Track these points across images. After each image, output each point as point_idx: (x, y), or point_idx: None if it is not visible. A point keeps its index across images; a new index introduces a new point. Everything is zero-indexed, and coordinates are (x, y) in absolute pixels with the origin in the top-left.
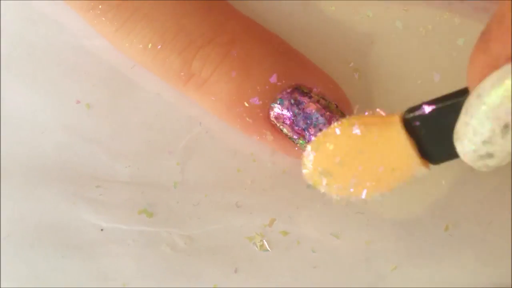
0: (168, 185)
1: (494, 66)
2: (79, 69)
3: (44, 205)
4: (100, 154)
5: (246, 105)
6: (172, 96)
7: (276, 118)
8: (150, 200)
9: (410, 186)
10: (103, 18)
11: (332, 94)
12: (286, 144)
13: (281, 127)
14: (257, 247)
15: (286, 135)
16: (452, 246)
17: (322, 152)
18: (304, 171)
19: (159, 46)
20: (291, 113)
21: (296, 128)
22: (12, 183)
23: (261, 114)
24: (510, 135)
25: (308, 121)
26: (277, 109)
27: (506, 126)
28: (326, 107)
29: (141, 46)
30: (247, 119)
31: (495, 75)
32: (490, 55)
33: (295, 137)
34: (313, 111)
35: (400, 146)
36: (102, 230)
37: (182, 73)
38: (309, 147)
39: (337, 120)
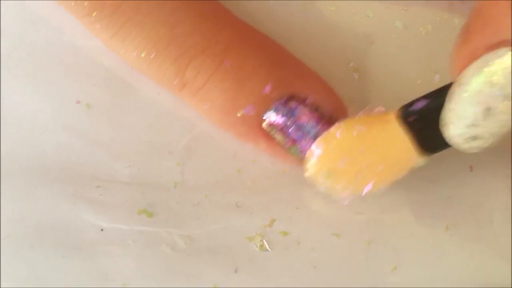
0: (168, 185)
1: (474, 56)
2: (79, 69)
3: (44, 205)
4: (100, 154)
5: (240, 114)
6: (172, 97)
7: (270, 126)
8: (150, 200)
9: (411, 186)
10: (98, 25)
11: (327, 103)
12: (279, 151)
13: (274, 135)
14: (257, 247)
15: (279, 143)
16: (452, 246)
17: (323, 154)
18: (307, 174)
19: (153, 55)
20: (284, 122)
21: (289, 137)
22: (12, 183)
23: (254, 123)
24: (491, 117)
25: (301, 131)
26: (270, 118)
27: (487, 109)
28: (320, 117)
29: (135, 53)
30: (241, 127)
31: (474, 64)
32: (470, 46)
33: (288, 145)
34: (306, 121)
35: (398, 142)
36: (102, 230)
37: (176, 81)
38: (311, 150)
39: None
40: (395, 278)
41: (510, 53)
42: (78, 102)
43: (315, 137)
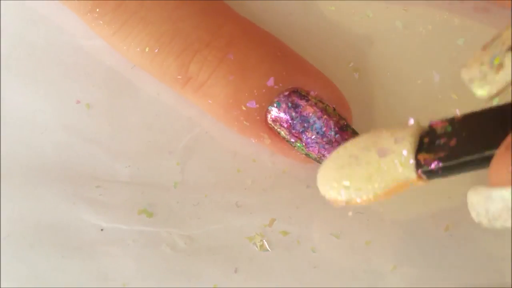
0: (168, 185)
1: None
2: (79, 69)
3: (44, 205)
4: (100, 154)
5: (243, 108)
6: (172, 96)
7: (274, 121)
8: (150, 200)
9: (410, 186)
10: (101, 21)
11: (330, 97)
12: (283, 146)
13: (278, 130)
14: (257, 247)
15: (284, 138)
16: (452, 246)
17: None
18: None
19: (156, 50)
20: (288, 116)
21: (293, 131)
22: (12, 183)
23: (258, 117)
24: None
25: (305, 125)
26: (274, 112)
27: None
28: (323, 110)
29: (138, 49)
30: (245, 122)
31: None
32: None
33: (292, 140)
34: (310, 114)
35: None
36: (102, 230)
37: (179, 76)
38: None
39: (334, 122)
40: (395, 278)
41: None
42: (78, 102)
43: (319, 130)
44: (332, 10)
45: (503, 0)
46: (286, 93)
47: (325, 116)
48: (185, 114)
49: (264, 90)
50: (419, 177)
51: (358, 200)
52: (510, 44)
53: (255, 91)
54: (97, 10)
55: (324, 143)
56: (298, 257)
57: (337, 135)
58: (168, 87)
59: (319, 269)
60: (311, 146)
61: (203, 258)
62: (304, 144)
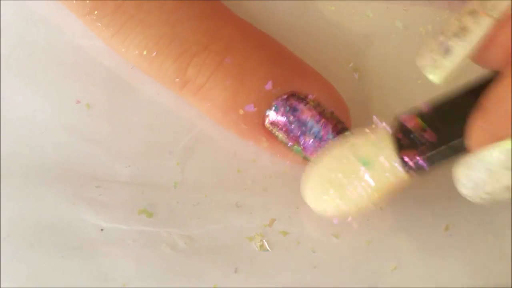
0: (168, 185)
1: (495, 140)
2: (79, 69)
3: (44, 205)
4: (100, 154)
5: (241, 112)
6: (172, 96)
7: (271, 124)
8: (150, 200)
9: (410, 186)
10: (99, 24)
11: (328, 100)
12: (281, 149)
13: (276, 133)
14: (257, 247)
15: (282, 141)
16: (452, 246)
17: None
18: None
19: (154, 53)
20: (286, 120)
21: (291, 135)
22: (12, 183)
23: (256, 121)
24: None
25: (303, 128)
26: (272, 116)
27: (507, 187)
28: (321, 114)
29: (136, 52)
30: (243, 125)
31: (497, 148)
32: (491, 132)
33: (290, 143)
34: (308, 118)
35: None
36: (102, 230)
37: (177, 79)
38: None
39: (332, 126)
40: (395, 278)
41: None
42: (78, 102)
43: (317, 134)
44: (332, 10)
45: None
46: (284, 96)
47: (323, 120)
48: (185, 114)
49: (262, 94)
50: (407, 174)
51: (353, 210)
52: (456, 30)
53: (253, 94)
54: (96, 12)
55: (322, 147)
56: (298, 257)
57: (335, 139)
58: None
59: (319, 269)
60: (309, 150)
61: (203, 258)
62: (302, 147)
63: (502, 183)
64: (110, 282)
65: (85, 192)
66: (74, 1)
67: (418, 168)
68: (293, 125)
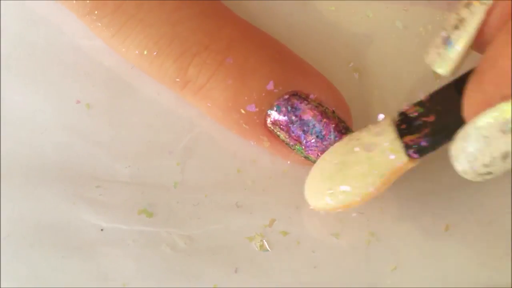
0: (168, 185)
1: (489, 104)
2: (79, 69)
3: (44, 205)
4: (100, 154)
5: (243, 111)
6: (172, 96)
7: (273, 124)
8: (150, 200)
9: (410, 186)
10: (99, 24)
11: (330, 99)
12: (283, 149)
13: (277, 133)
14: (257, 247)
15: (283, 141)
16: (452, 246)
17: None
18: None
19: (155, 53)
20: (287, 119)
21: (293, 134)
22: (12, 183)
23: (257, 121)
24: (510, 159)
25: (305, 128)
26: (273, 116)
27: (505, 155)
28: (323, 114)
29: (137, 51)
30: (244, 125)
31: (492, 112)
32: (485, 95)
33: (291, 143)
34: (310, 118)
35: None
36: (102, 230)
37: (178, 79)
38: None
39: (334, 125)
40: (395, 278)
41: None
42: (78, 102)
43: (319, 133)
44: (332, 10)
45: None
46: (286, 96)
47: (324, 120)
48: (185, 114)
49: (263, 94)
50: (411, 158)
51: (358, 199)
52: (455, 22)
53: (254, 94)
54: (96, 12)
55: (323, 146)
56: (298, 257)
57: (337, 138)
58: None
59: (319, 269)
60: (311, 150)
61: (203, 258)
62: (303, 147)
63: (499, 150)
64: (110, 282)
65: (85, 192)
66: (74, 1)
67: (422, 150)
68: (294, 125)
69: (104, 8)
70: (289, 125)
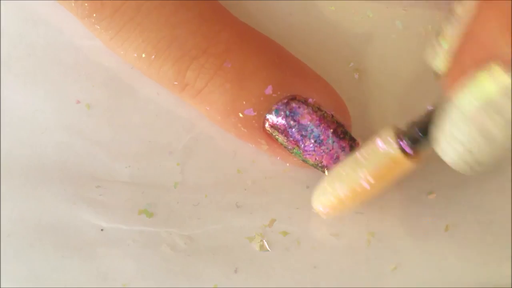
0: (168, 185)
1: (464, 74)
2: (79, 69)
3: (44, 205)
4: (100, 154)
5: (241, 115)
6: (172, 96)
7: (271, 128)
8: (150, 200)
9: (410, 186)
10: (98, 26)
11: (329, 103)
12: (281, 152)
13: (276, 136)
14: (257, 247)
15: (281, 144)
16: (452, 246)
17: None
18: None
19: (153, 56)
20: (286, 124)
21: (291, 138)
22: (12, 183)
23: (256, 124)
24: (487, 140)
25: (303, 133)
26: (272, 120)
27: (487, 134)
28: (321, 118)
29: (135, 55)
30: (242, 128)
31: (466, 85)
32: (460, 66)
33: (290, 147)
34: (308, 122)
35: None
36: (102, 230)
37: (176, 82)
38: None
39: (332, 130)
40: (395, 278)
41: (499, 69)
42: (78, 102)
43: (317, 138)
44: (332, 10)
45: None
46: (285, 100)
47: (323, 124)
48: (185, 114)
49: (262, 98)
50: (403, 150)
51: (353, 195)
52: (447, 16)
53: (252, 99)
54: (94, 15)
55: (321, 151)
56: (298, 257)
57: (335, 143)
58: None
59: (319, 269)
60: (309, 154)
61: (203, 258)
62: (302, 151)
63: (481, 129)
64: (110, 282)
65: (85, 192)
66: (73, 3)
67: (413, 141)
68: (293, 129)
69: (102, 10)
70: (288, 129)
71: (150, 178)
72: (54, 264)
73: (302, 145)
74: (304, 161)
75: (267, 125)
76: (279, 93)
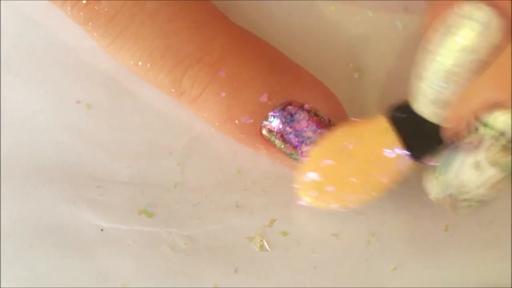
0: (168, 186)
1: (441, 12)
2: (79, 69)
3: (44, 205)
4: (100, 154)
5: (237, 122)
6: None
7: (269, 133)
8: (150, 200)
9: (410, 186)
10: (95, 34)
11: (326, 108)
12: (280, 156)
13: (274, 141)
14: (257, 247)
15: (280, 148)
16: (452, 246)
17: (311, 162)
18: (298, 188)
19: (148, 65)
20: (282, 130)
21: (288, 144)
22: (12, 183)
23: (253, 131)
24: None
25: (299, 139)
26: (268, 126)
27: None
28: (318, 124)
29: (132, 62)
30: (240, 134)
31: (443, 25)
32: (437, 6)
33: (288, 151)
34: (305, 128)
35: (387, 142)
36: (102, 230)
37: (173, 90)
38: (302, 165)
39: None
40: (395, 278)
41: (473, 7)
42: (78, 102)
43: (315, 142)
44: (332, 10)
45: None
46: (281, 107)
47: (319, 130)
48: (185, 114)
49: (257, 106)
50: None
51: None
52: None
53: (248, 107)
54: (90, 23)
55: None
56: (298, 257)
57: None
58: None
59: (319, 269)
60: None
61: (203, 258)
62: (299, 156)
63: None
64: (110, 282)
65: (85, 192)
66: (69, 12)
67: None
68: (290, 136)
69: (97, 19)
70: (285, 135)
71: (150, 178)
72: (54, 264)
73: (299, 151)
74: None
75: (264, 131)
76: (274, 100)
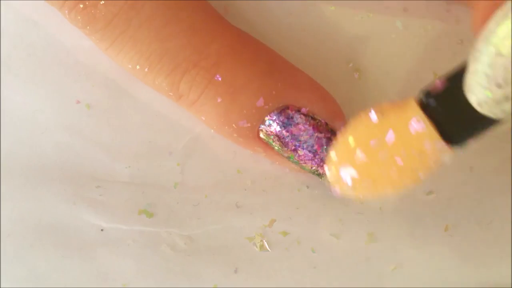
0: (168, 186)
1: (496, 6)
2: (79, 69)
3: (44, 205)
4: (100, 154)
5: (235, 126)
6: None
7: (266, 136)
8: (150, 200)
9: (410, 186)
10: (93, 37)
11: (323, 111)
12: (278, 158)
13: (272, 144)
14: (257, 247)
15: (278, 151)
16: (452, 246)
17: (343, 153)
18: (329, 176)
19: (146, 69)
20: (280, 134)
21: (285, 148)
22: (12, 183)
23: (250, 134)
24: None
25: (297, 143)
26: (265, 130)
27: None
28: (315, 128)
29: (130, 66)
30: (238, 138)
31: (498, 14)
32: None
33: (286, 154)
34: (302, 132)
35: (420, 129)
36: (102, 230)
37: (171, 93)
38: (330, 153)
39: (326, 139)
40: (395, 278)
41: None
42: (78, 102)
43: (312, 146)
44: (332, 10)
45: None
46: (277, 111)
47: (316, 134)
48: (185, 114)
49: (254, 110)
50: (422, 104)
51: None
52: None
53: (245, 111)
54: (88, 27)
55: (316, 159)
56: (298, 257)
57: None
58: None
59: (319, 269)
60: (305, 162)
61: (203, 258)
62: (296, 159)
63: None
64: (110, 282)
65: (85, 192)
66: (67, 16)
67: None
68: (287, 140)
69: (95, 23)
70: (282, 139)
71: (150, 178)
72: (54, 264)
73: (296, 155)
74: (302, 167)
75: (261, 134)
76: (271, 104)
